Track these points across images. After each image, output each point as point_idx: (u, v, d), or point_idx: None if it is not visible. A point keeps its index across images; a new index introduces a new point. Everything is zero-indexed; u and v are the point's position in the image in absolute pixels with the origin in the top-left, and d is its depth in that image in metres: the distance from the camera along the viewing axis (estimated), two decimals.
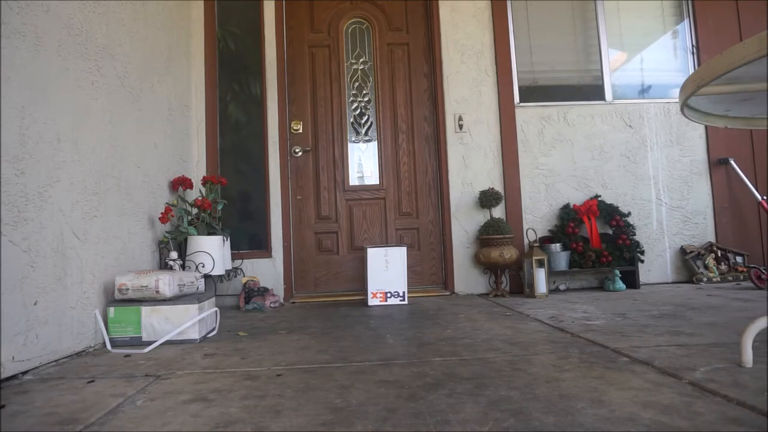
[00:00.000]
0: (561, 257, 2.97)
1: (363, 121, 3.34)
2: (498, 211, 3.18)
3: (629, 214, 3.16)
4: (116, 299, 1.82)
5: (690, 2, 3.45)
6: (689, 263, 3.18)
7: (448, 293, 3.09)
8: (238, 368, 1.42)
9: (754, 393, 1.02)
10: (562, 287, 3.14)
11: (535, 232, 3.05)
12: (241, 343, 1.78)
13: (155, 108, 2.48)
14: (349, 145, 3.32)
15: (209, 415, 1.03)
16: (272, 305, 2.72)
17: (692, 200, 3.30)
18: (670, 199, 3.30)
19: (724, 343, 1.49)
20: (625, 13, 3.46)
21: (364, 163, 3.33)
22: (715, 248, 3.19)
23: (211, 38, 3.19)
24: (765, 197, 3.08)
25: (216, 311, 2.07)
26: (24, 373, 1.40)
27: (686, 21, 3.46)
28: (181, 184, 2.61)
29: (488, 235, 2.92)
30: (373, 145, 3.33)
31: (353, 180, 3.30)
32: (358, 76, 3.36)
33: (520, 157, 3.23)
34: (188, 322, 1.80)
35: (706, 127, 3.31)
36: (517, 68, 3.32)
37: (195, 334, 1.81)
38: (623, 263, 3.01)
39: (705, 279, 3.11)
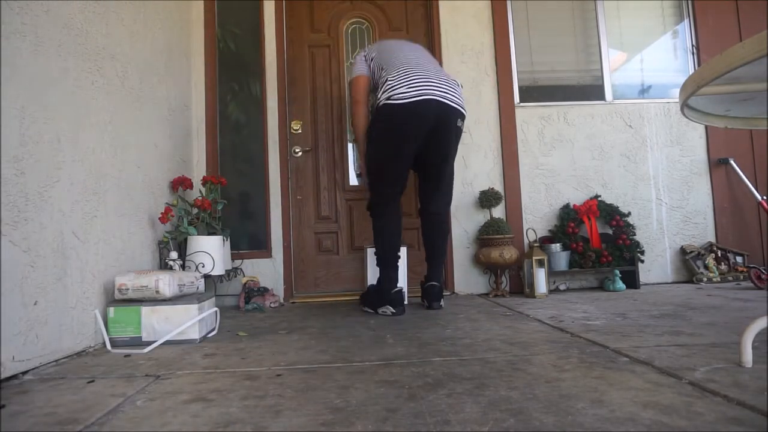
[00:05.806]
0: (561, 257, 2.97)
1: None
2: (498, 211, 3.17)
3: (629, 214, 3.15)
4: (116, 299, 1.82)
5: (690, 2, 3.45)
6: (689, 263, 3.18)
7: (448, 293, 3.09)
8: (238, 368, 1.42)
9: (754, 393, 1.02)
10: (562, 287, 3.14)
11: (535, 232, 3.05)
12: (241, 343, 1.78)
13: (155, 108, 2.48)
14: (349, 145, 3.32)
15: (209, 415, 1.03)
16: (272, 305, 2.73)
17: (692, 200, 3.30)
18: (670, 199, 3.29)
19: (724, 343, 1.49)
20: (625, 13, 3.46)
21: None
22: (715, 248, 3.19)
23: (211, 38, 3.19)
24: (765, 197, 3.07)
25: (216, 311, 2.07)
26: (24, 373, 1.40)
27: (686, 21, 3.46)
28: (181, 184, 2.61)
29: (488, 235, 2.92)
30: None
31: (353, 180, 3.30)
32: None
33: (520, 157, 3.22)
34: (188, 322, 1.80)
35: (706, 127, 3.31)
36: (517, 68, 3.32)
37: (195, 334, 1.81)
38: (623, 263, 3.01)
39: (705, 279, 3.11)
